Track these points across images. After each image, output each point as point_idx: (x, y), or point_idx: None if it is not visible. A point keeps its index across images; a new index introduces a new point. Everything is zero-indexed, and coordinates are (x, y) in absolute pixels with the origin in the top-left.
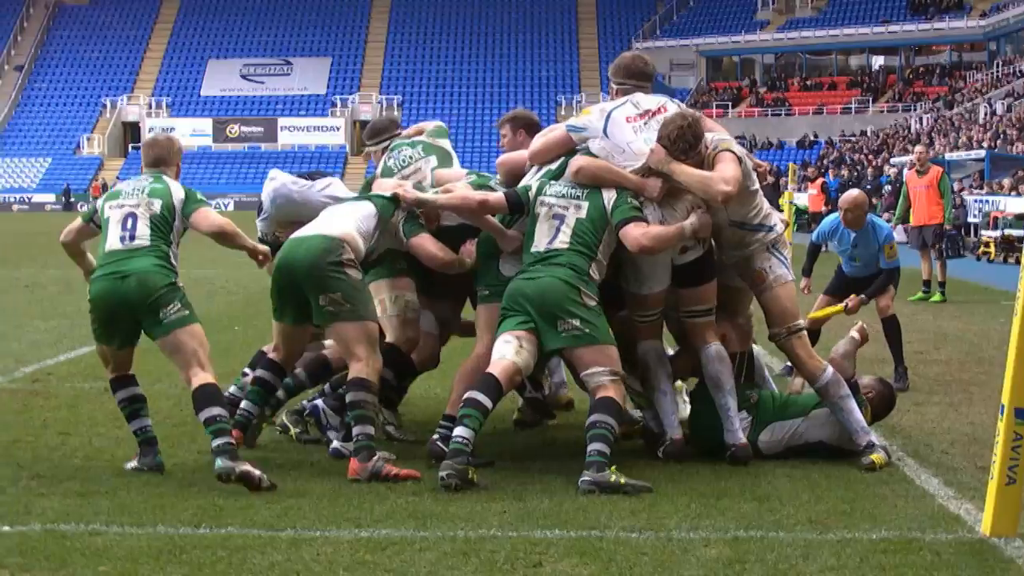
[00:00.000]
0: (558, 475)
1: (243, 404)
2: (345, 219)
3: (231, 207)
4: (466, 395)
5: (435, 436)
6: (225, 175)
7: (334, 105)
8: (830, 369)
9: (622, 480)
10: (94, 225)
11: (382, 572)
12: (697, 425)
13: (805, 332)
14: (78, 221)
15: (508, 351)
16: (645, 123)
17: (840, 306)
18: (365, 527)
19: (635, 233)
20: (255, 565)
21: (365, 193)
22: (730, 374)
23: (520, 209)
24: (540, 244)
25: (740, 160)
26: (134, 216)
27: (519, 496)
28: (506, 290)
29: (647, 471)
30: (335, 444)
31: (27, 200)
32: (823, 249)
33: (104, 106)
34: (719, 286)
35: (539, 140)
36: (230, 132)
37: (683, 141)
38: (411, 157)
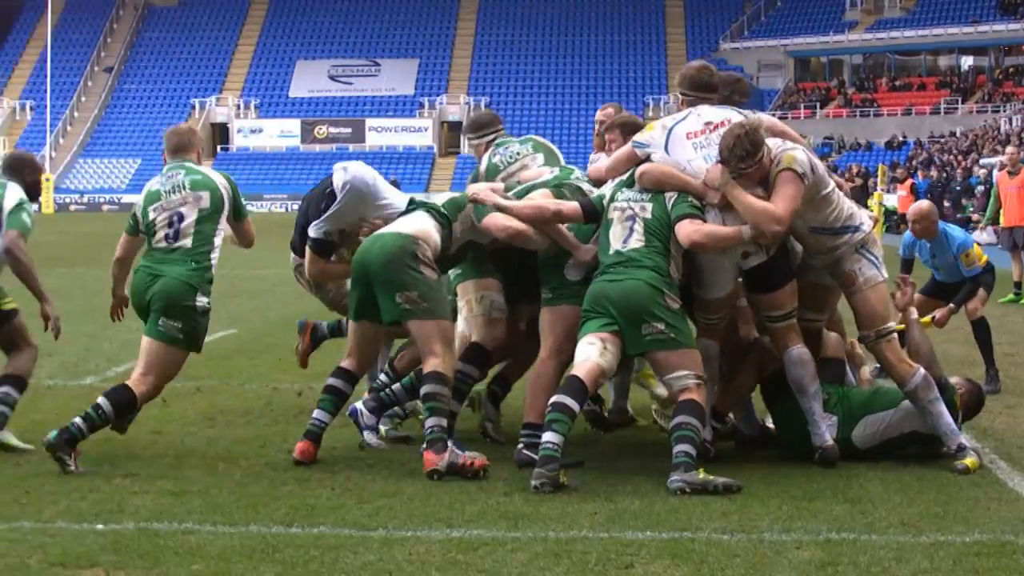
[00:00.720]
0: (648, 476)
1: (315, 413)
2: (422, 217)
3: None
4: (553, 399)
5: (520, 445)
6: (313, 176)
7: (422, 106)
8: (920, 372)
9: (711, 477)
10: (141, 234)
11: (474, 572)
12: (784, 428)
13: (895, 335)
14: (124, 236)
15: (592, 353)
16: (706, 138)
17: (928, 318)
18: (457, 527)
19: (688, 229)
20: (347, 565)
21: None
22: (813, 377)
23: (596, 218)
24: (616, 244)
25: (803, 176)
26: (179, 216)
27: (610, 497)
28: (588, 291)
29: (737, 473)
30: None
31: (117, 201)
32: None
33: (193, 107)
34: (808, 284)
35: (611, 157)
36: (318, 133)
37: (740, 148)
38: (518, 153)
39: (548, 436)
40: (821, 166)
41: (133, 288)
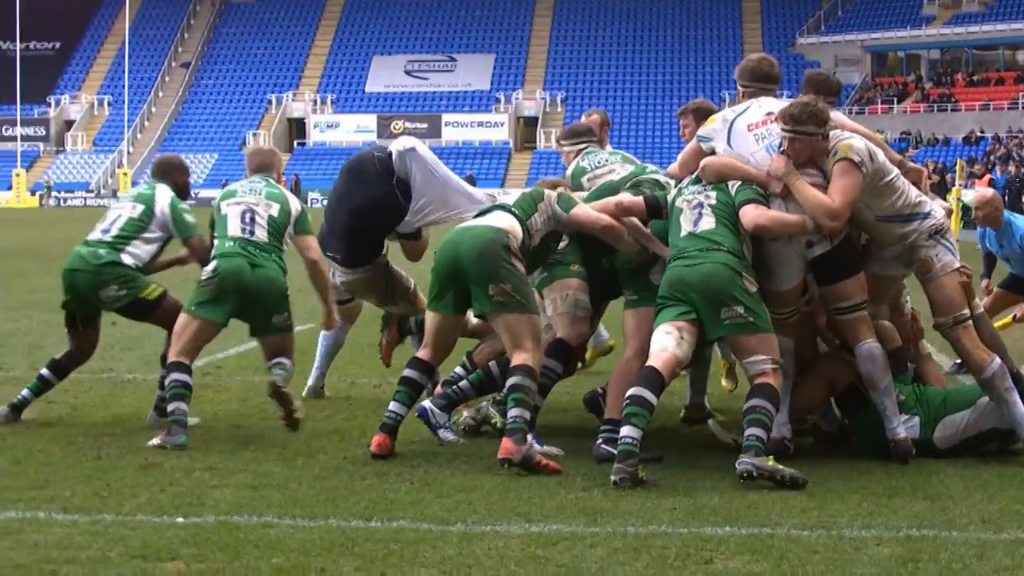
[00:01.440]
0: (728, 471)
1: (390, 406)
2: (504, 214)
3: None
4: (630, 392)
5: (599, 440)
6: None
7: (498, 101)
8: (997, 361)
9: (779, 467)
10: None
11: (553, 567)
12: (864, 437)
13: (971, 322)
14: (209, 232)
15: (669, 343)
16: (767, 128)
17: (1008, 318)
18: (535, 522)
19: (753, 213)
20: (427, 559)
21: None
22: (884, 371)
23: (658, 212)
24: (688, 227)
25: (860, 165)
26: (252, 213)
27: (689, 492)
28: (664, 277)
29: (817, 469)
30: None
31: (194, 196)
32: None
33: (269, 102)
34: (868, 275)
35: (681, 153)
36: (394, 128)
37: (793, 109)
38: (607, 160)
39: (627, 431)
40: (882, 154)
41: (231, 271)
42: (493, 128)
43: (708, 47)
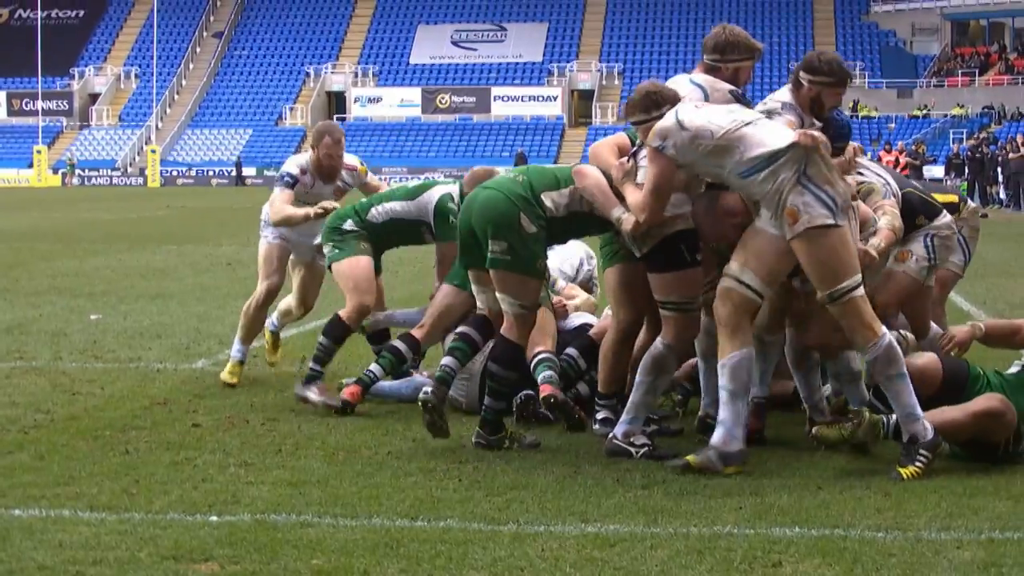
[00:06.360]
0: (797, 469)
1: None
2: None
3: None
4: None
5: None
6: (435, 148)
7: (551, 74)
8: (887, 337)
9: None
10: None
11: (611, 570)
12: None
13: (861, 291)
14: None
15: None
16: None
17: None
18: (592, 522)
19: (587, 167)
20: (476, 561)
21: None
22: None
23: None
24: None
25: (661, 149)
26: None
27: (756, 491)
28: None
29: (892, 465)
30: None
31: (226, 174)
32: None
33: (307, 75)
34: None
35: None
36: (440, 102)
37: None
38: None
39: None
40: (686, 113)
41: None
42: (546, 102)
43: (776, 16)
